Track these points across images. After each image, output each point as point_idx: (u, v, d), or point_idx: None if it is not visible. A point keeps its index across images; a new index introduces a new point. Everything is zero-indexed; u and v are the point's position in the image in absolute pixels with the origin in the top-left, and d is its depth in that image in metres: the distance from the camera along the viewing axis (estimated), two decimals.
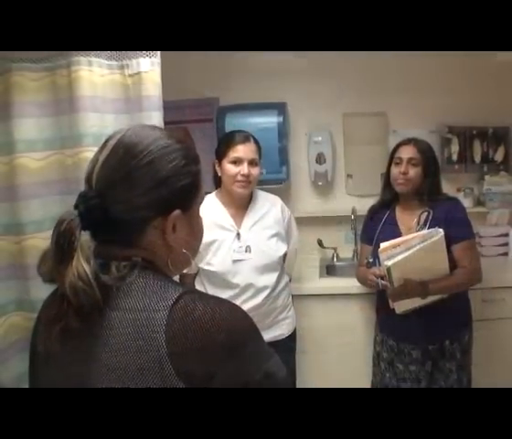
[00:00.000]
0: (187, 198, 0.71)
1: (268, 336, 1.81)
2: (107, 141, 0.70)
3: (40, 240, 1.43)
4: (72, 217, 0.64)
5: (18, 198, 1.45)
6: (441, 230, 1.70)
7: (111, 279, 0.64)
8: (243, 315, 0.69)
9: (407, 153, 1.88)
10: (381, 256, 1.75)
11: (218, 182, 1.87)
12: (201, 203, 0.76)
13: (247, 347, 0.66)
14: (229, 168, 1.76)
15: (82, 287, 0.61)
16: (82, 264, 0.62)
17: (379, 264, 1.79)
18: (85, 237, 0.65)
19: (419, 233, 1.76)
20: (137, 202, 0.66)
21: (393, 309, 1.81)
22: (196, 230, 0.75)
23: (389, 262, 1.71)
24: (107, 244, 0.68)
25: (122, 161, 0.67)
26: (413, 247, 1.70)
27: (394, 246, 1.73)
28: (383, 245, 1.75)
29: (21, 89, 1.46)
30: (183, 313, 0.63)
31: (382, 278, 1.77)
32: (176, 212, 0.69)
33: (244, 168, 1.74)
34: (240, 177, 1.75)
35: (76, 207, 0.66)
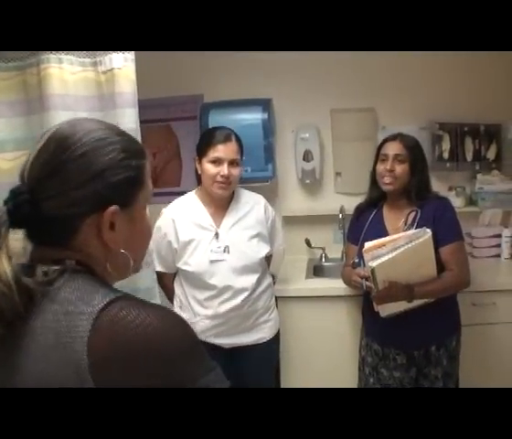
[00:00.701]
0: (127, 193, 0.67)
1: (249, 339, 1.78)
2: (44, 134, 0.67)
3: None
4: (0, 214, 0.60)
5: None
6: (429, 230, 1.64)
7: (34, 283, 0.60)
8: (178, 322, 0.63)
9: (393, 149, 1.81)
10: (365, 256, 1.68)
11: (199, 179, 1.81)
12: (148, 200, 0.71)
13: (179, 359, 0.60)
14: (209, 168, 1.71)
15: (1, 290, 0.57)
16: (3, 264, 0.58)
17: (365, 265, 1.74)
18: (17, 238, 0.61)
19: (405, 233, 1.69)
20: (69, 197, 0.62)
21: (378, 312, 1.75)
22: (139, 228, 0.70)
23: (374, 264, 1.64)
24: (41, 246, 0.64)
25: (54, 154, 0.63)
26: (399, 248, 1.63)
27: (379, 246, 1.66)
28: (367, 245, 1.67)
29: None
30: (109, 319, 0.57)
31: (367, 279, 1.72)
32: (113, 208, 0.64)
33: (224, 169, 1.69)
34: (219, 178, 1.70)
35: (5, 203, 0.62)
